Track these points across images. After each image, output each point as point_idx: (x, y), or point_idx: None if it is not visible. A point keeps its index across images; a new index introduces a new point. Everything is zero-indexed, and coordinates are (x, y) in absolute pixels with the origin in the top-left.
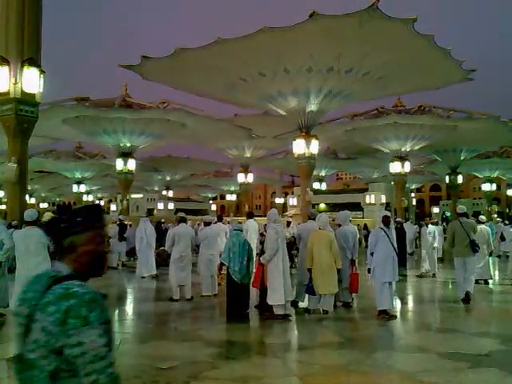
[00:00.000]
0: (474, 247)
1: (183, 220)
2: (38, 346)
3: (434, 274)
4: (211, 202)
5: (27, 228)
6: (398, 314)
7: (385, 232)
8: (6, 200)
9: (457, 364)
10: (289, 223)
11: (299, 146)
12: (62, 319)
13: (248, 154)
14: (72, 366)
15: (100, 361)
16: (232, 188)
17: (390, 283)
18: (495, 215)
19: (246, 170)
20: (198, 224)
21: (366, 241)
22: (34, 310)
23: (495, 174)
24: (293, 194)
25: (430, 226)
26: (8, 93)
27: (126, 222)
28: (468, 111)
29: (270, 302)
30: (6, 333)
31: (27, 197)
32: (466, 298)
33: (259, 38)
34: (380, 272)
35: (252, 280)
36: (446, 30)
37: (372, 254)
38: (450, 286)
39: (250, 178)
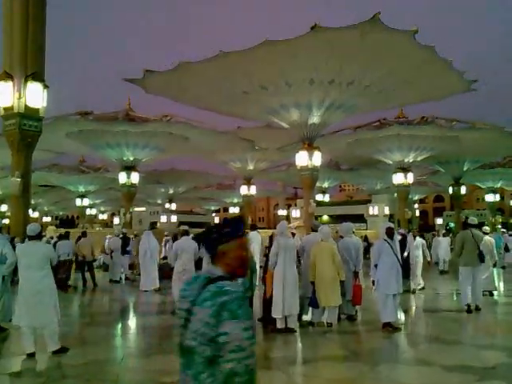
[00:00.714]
0: (481, 257)
1: (186, 233)
2: (197, 334)
3: (414, 290)
4: (214, 214)
5: (30, 242)
6: (403, 327)
7: (388, 244)
8: (9, 214)
9: (463, 377)
10: (293, 235)
11: (302, 158)
12: (217, 312)
13: (251, 167)
14: (223, 352)
15: (240, 352)
16: (235, 200)
17: (395, 295)
18: (499, 226)
19: (248, 183)
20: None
21: (367, 253)
22: (192, 305)
23: (498, 185)
24: (296, 205)
25: (417, 238)
26: (12, 108)
27: (128, 235)
28: (471, 122)
29: (272, 314)
30: (8, 347)
31: (30, 211)
32: (474, 309)
33: (261, 51)
34: (384, 284)
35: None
36: (447, 40)
37: (376, 265)
38: (455, 298)
39: (253, 190)
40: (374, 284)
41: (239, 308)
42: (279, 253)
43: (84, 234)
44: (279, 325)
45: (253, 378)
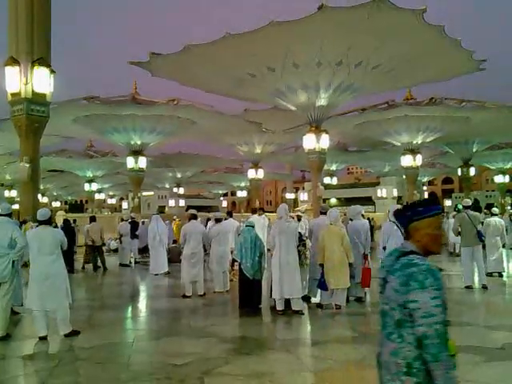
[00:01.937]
0: (480, 237)
1: (194, 217)
2: (390, 300)
3: None
4: (222, 198)
5: (40, 227)
6: None
7: (397, 226)
8: (18, 199)
9: (471, 358)
10: (299, 218)
11: (309, 141)
12: (406, 281)
13: (258, 150)
14: (411, 317)
15: (429, 317)
16: (242, 184)
17: None
18: (509, 207)
19: (256, 166)
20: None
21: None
22: (387, 274)
23: (508, 166)
24: (304, 189)
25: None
26: (19, 93)
27: (137, 220)
28: (480, 101)
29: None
30: (20, 331)
31: (39, 196)
32: (481, 287)
33: (267, 33)
34: None
35: None
36: (456, 18)
37: (384, 248)
38: (463, 280)
39: (261, 173)
40: None
41: (426, 279)
42: (276, 236)
43: (93, 219)
44: (278, 306)
45: (444, 341)
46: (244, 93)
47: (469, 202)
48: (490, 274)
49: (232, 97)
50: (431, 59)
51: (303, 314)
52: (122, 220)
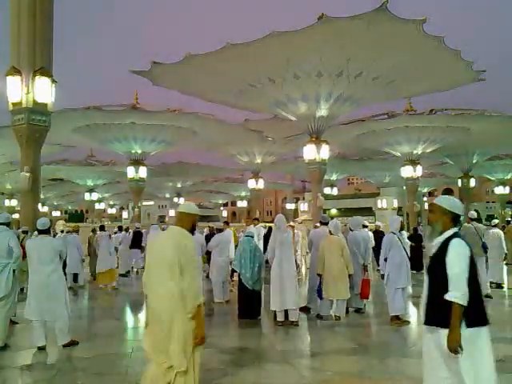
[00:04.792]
0: (484, 249)
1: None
2: None
3: None
4: (222, 208)
5: (40, 236)
6: (411, 319)
7: (398, 237)
8: (18, 208)
9: None
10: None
11: (310, 152)
12: None
13: (259, 160)
14: None
15: None
16: (243, 194)
17: (403, 288)
18: (509, 218)
19: (256, 176)
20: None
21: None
22: None
23: (508, 177)
24: (304, 199)
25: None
26: (20, 103)
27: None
28: (480, 110)
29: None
30: (18, 341)
31: (39, 205)
32: (484, 297)
33: (268, 43)
34: (394, 277)
35: None
36: (456, 29)
37: (385, 259)
38: None
39: (261, 184)
40: (383, 278)
41: None
42: (276, 247)
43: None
44: (279, 317)
45: None
46: (244, 103)
47: (475, 214)
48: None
49: (232, 106)
50: (431, 69)
51: (298, 325)
52: (120, 229)
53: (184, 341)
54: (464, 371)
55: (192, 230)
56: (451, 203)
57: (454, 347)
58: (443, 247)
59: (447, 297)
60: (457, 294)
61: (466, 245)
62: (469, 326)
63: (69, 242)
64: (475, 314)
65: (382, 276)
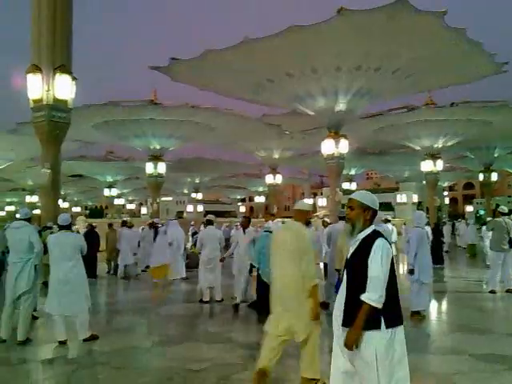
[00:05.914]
0: (511, 243)
1: (210, 223)
2: None
3: None
4: (240, 203)
5: (61, 232)
6: (432, 315)
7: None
8: (39, 204)
9: (492, 366)
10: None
11: (328, 147)
12: None
13: (276, 155)
14: None
15: None
16: (261, 189)
17: (427, 284)
18: None
19: (274, 171)
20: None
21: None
22: None
23: None
24: (322, 194)
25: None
26: (41, 100)
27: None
28: (502, 102)
29: None
30: (40, 335)
31: (60, 201)
32: (505, 291)
33: (286, 37)
34: (420, 272)
35: None
36: (478, 20)
37: (415, 254)
38: (484, 286)
39: (279, 179)
40: (412, 273)
41: None
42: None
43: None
44: None
45: None
46: (262, 98)
47: (505, 209)
48: None
49: (250, 102)
50: (452, 62)
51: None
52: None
53: (305, 315)
54: (381, 371)
55: (307, 224)
56: (372, 199)
57: (351, 346)
58: (364, 246)
59: (363, 297)
60: (373, 296)
61: (389, 246)
62: (388, 326)
63: (122, 236)
64: (393, 314)
65: (411, 271)
